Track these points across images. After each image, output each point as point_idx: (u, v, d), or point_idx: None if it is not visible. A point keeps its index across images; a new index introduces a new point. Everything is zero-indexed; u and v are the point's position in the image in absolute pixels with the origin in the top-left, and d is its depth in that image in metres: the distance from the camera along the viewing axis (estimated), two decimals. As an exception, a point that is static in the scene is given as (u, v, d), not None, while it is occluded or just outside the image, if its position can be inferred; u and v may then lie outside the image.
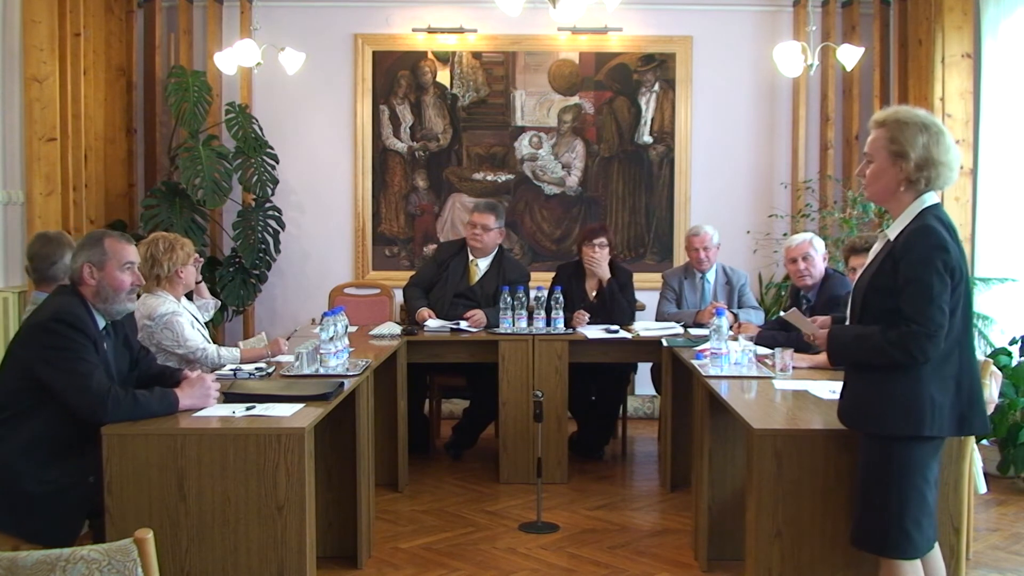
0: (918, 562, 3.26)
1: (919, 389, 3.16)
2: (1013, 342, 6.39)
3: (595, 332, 6.15)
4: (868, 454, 3.28)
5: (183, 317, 4.86)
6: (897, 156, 3.23)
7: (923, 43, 7.42)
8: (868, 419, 3.28)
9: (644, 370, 7.23)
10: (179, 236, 5.09)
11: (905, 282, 3.15)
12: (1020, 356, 6.27)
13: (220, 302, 5.22)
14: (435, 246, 7.56)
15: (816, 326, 3.86)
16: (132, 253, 3.83)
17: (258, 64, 7.36)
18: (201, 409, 3.72)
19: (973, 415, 3.21)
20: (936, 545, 3.35)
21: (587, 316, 6.33)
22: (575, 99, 8.11)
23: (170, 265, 4.87)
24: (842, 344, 3.42)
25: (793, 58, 7.15)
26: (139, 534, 2.22)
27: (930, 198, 3.24)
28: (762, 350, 5.14)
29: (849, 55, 7.18)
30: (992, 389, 4.67)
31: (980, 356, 5.54)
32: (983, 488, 4.78)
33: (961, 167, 7.07)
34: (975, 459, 4.67)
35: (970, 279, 3.23)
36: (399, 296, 7.11)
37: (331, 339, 4.62)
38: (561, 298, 6.20)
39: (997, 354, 6.30)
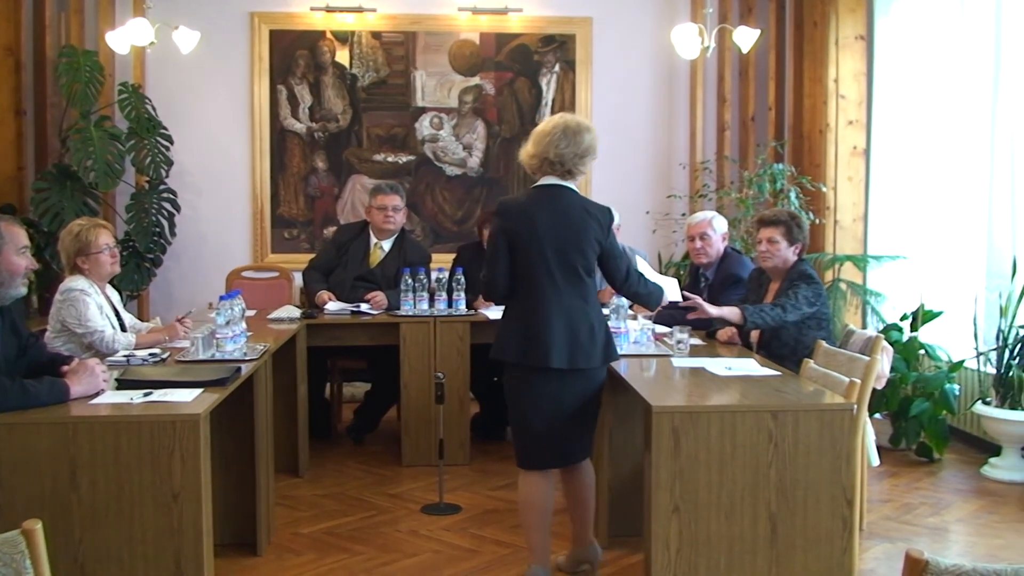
0: (532, 474, 4.04)
1: (501, 323, 4.10)
2: (904, 318, 6.55)
3: (497, 313, 6.13)
4: None
5: (90, 299, 4.84)
6: None
7: (818, 25, 7.57)
8: None
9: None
10: (100, 223, 5.14)
11: None
12: (911, 331, 6.44)
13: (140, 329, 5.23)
14: (335, 228, 7.49)
15: None
16: (25, 237, 3.75)
17: (151, 43, 7.19)
18: (96, 396, 3.64)
19: (531, 348, 3.93)
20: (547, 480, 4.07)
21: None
22: (476, 80, 8.08)
23: (79, 247, 4.93)
24: None
25: (691, 40, 7.23)
26: (27, 525, 2.16)
27: (542, 180, 4.02)
28: (661, 328, 5.20)
29: (745, 37, 7.27)
30: (884, 364, 4.78)
31: (872, 332, 5.71)
32: (876, 461, 4.89)
33: (855, 147, 7.37)
34: (868, 432, 4.79)
35: (531, 240, 3.91)
36: (299, 279, 7.03)
37: (228, 323, 4.55)
38: (463, 279, 6.20)
39: (888, 330, 6.47)
